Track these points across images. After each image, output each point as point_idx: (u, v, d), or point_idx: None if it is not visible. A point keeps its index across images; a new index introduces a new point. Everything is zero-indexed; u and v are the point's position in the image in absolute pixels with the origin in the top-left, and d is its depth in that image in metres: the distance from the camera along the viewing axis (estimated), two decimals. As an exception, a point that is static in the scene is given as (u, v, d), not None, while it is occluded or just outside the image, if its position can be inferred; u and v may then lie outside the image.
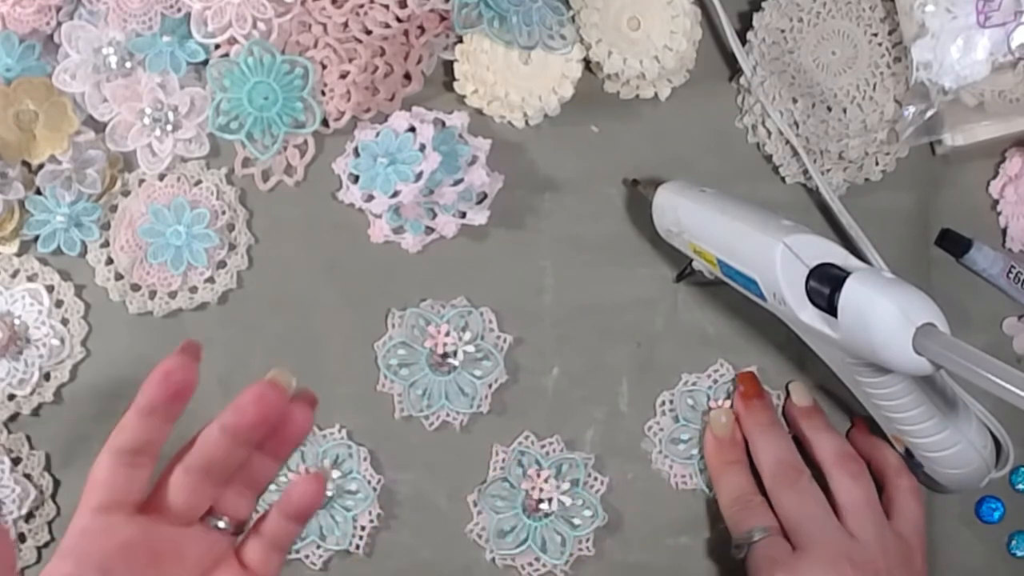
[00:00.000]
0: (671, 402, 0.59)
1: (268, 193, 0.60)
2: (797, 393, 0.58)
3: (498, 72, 0.57)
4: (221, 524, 0.43)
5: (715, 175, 0.59)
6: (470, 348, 0.58)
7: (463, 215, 0.58)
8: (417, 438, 0.59)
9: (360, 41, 0.58)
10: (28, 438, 0.59)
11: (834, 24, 0.58)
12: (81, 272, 0.59)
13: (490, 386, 0.59)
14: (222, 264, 0.59)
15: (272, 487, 0.46)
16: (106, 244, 0.59)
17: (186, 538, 0.42)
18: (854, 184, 0.59)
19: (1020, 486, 0.59)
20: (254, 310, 0.60)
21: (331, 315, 0.59)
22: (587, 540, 0.58)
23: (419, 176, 0.54)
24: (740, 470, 0.56)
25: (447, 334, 0.58)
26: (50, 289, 0.59)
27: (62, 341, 0.59)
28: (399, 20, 0.57)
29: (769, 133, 0.59)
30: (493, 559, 0.59)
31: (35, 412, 0.59)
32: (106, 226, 0.59)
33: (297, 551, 0.58)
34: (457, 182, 0.56)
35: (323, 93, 0.58)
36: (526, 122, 0.59)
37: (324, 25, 0.58)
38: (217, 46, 0.58)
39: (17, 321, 0.59)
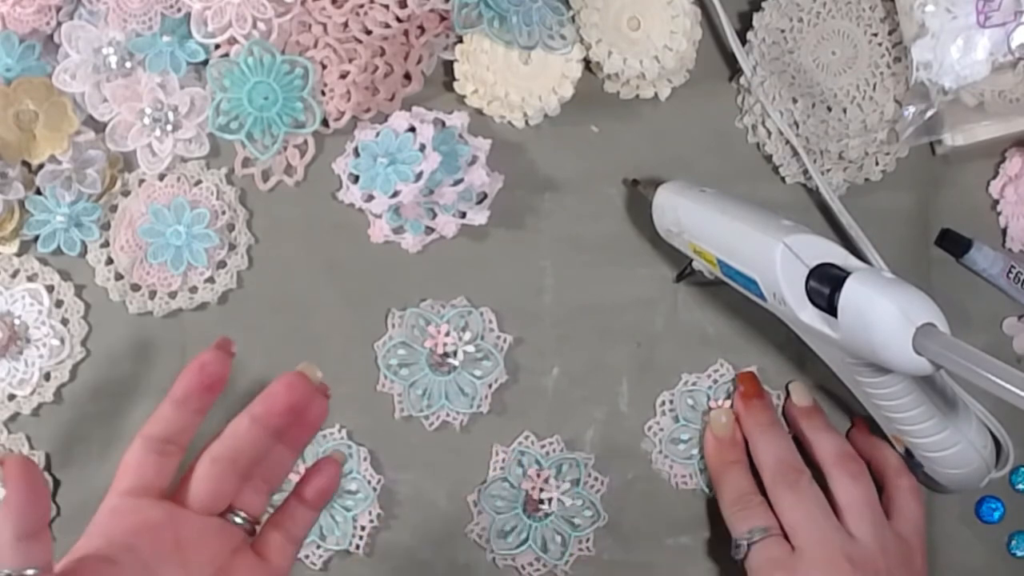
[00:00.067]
0: (671, 402, 0.59)
1: (268, 193, 0.60)
2: (797, 393, 0.58)
3: (498, 72, 0.57)
4: (238, 519, 0.45)
5: (715, 175, 0.59)
6: (470, 348, 0.58)
7: (463, 215, 0.58)
8: (417, 438, 0.59)
9: (360, 41, 0.58)
10: (28, 438, 0.59)
11: (834, 24, 0.58)
12: (81, 272, 0.59)
13: (490, 386, 0.59)
14: (222, 264, 0.59)
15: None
16: (106, 244, 0.59)
17: (207, 528, 0.44)
18: (854, 184, 0.59)
19: (1020, 486, 0.59)
20: (254, 310, 0.60)
21: (331, 315, 0.59)
22: (587, 540, 0.58)
23: (419, 176, 0.54)
24: (740, 470, 0.56)
25: (447, 334, 0.58)
26: (50, 289, 0.59)
27: (62, 341, 0.59)
28: (399, 20, 0.57)
29: (769, 133, 0.59)
30: (493, 559, 0.59)
31: (35, 412, 0.59)
32: (106, 226, 0.59)
33: (297, 551, 0.58)
34: (457, 182, 0.56)
35: (323, 93, 0.58)
36: (526, 122, 0.59)
37: (324, 25, 0.58)
38: (217, 46, 0.58)
39: (17, 321, 0.59)
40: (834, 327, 0.45)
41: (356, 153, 0.57)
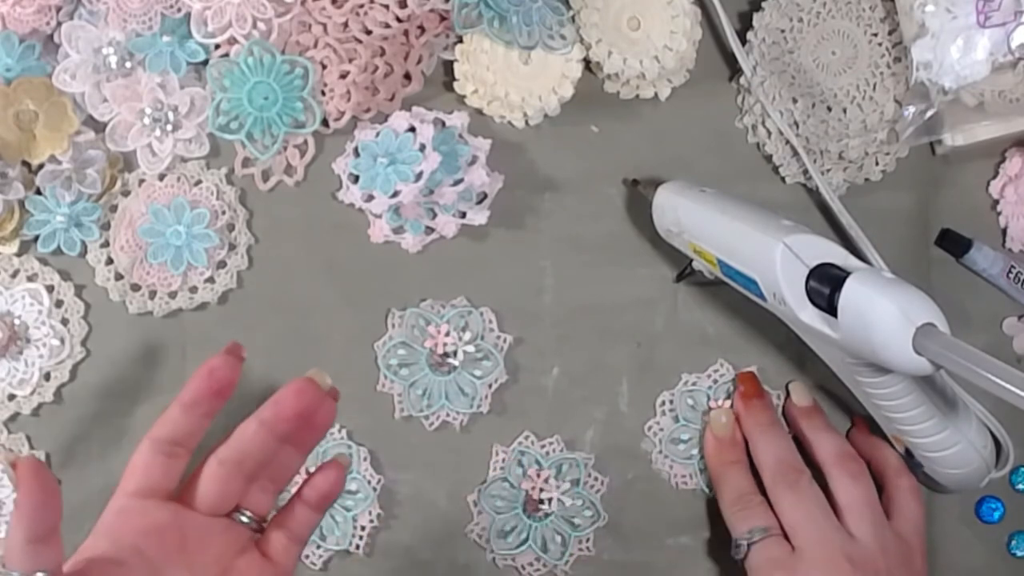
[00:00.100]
0: (671, 402, 0.59)
1: (268, 193, 0.60)
2: (797, 393, 0.58)
3: (498, 72, 0.57)
4: (244, 519, 0.45)
5: (715, 175, 0.59)
6: (470, 348, 0.58)
7: (463, 215, 0.58)
8: (417, 438, 0.59)
9: (360, 41, 0.58)
10: (28, 438, 0.59)
11: (834, 24, 0.58)
12: (81, 272, 0.59)
13: (490, 386, 0.59)
14: (222, 264, 0.59)
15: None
16: (106, 244, 0.59)
17: (213, 528, 0.44)
18: (854, 184, 0.59)
19: (1020, 486, 0.59)
20: (254, 310, 0.60)
21: (331, 315, 0.59)
22: (587, 540, 0.58)
23: (419, 176, 0.54)
24: (740, 470, 0.56)
25: (447, 334, 0.58)
26: (50, 289, 0.59)
27: (62, 341, 0.59)
28: (399, 20, 0.57)
29: (769, 133, 0.59)
30: (493, 559, 0.59)
31: (35, 412, 0.59)
32: (106, 226, 0.59)
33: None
34: (457, 182, 0.56)
35: (323, 93, 0.58)
36: (526, 122, 0.59)
37: (324, 25, 0.58)
38: (217, 46, 0.58)
39: (17, 321, 0.59)
40: (834, 327, 0.45)
41: (356, 153, 0.57)
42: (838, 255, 0.46)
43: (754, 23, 0.59)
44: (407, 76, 0.59)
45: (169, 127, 0.58)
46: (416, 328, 0.59)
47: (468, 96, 0.59)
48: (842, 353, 0.47)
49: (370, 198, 0.56)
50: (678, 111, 0.60)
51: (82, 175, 0.58)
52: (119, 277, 0.59)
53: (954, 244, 0.59)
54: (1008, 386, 0.37)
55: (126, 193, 0.59)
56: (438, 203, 0.57)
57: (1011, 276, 0.58)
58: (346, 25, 0.58)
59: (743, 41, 0.59)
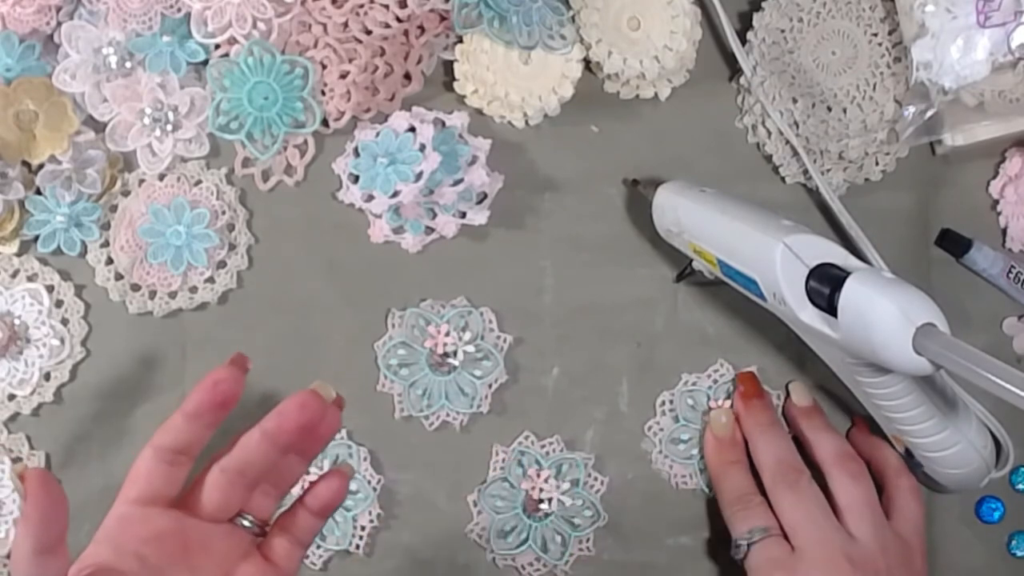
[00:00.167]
0: (671, 402, 0.59)
1: (268, 193, 0.60)
2: (797, 393, 0.58)
3: (498, 72, 0.57)
4: (246, 523, 0.45)
5: (715, 175, 0.59)
6: (470, 348, 0.58)
7: (463, 215, 0.58)
8: (417, 438, 0.59)
9: (360, 41, 0.58)
10: (28, 438, 0.59)
11: (834, 24, 0.58)
12: (81, 272, 0.59)
13: (490, 386, 0.59)
14: (222, 264, 0.59)
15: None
16: (106, 244, 0.59)
17: (215, 534, 0.44)
18: (854, 184, 0.59)
19: (1020, 486, 0.59)
20: (254, 310, 0.60)
21: (331, 315, 0.59)
22: (587, 540, 0.58)
23: (419, 176, 0.54)
24: (740, 470, 0.56)
25: (447, 334, 0.58)
26: (50, 289, 0.59)
27: (62, 341, 0.59)
28: (399, 20, 0.57)
29: (769, 133, 0.59)
30: (493, 559, 0.59)
31: (35, 412, 0.59)
32: (106, 226, 0.59)
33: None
34: (457, 182, 0.56)
35: (323, 93, 0.58)
36: (526, 122, 0.59)
37: (324, 25, 0.58)
38: (217, 46, 0.58)
39: (17, 321, 0.59)
40: (834, 327, 0.45)
41: (356, 153, 0.57)
42: (838, 255, 0.46)
43: (754, 23, 0.59)
44: (407, 76, 0.59)
45: (169, 127, 0.58)
46: (416, 328, 0.59)
47: (468, 96, 0.59)
48: (842, 353, 0.47)
49: (370, 198, 0.56)
50: (678, 111, 0.60)
51: (82, 175, 0.58)
52: (119, 277, 0.59)
53: (954, 244, 0.59)
54: (1008, 386, 0.37)
55: (126, 193, 0.59)
56: (438, 203, 0.57)
57: (1011, 276, 0.58)
58: (346, 25, 0.58)
59: (743, 41, 0.59)
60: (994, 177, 0.60)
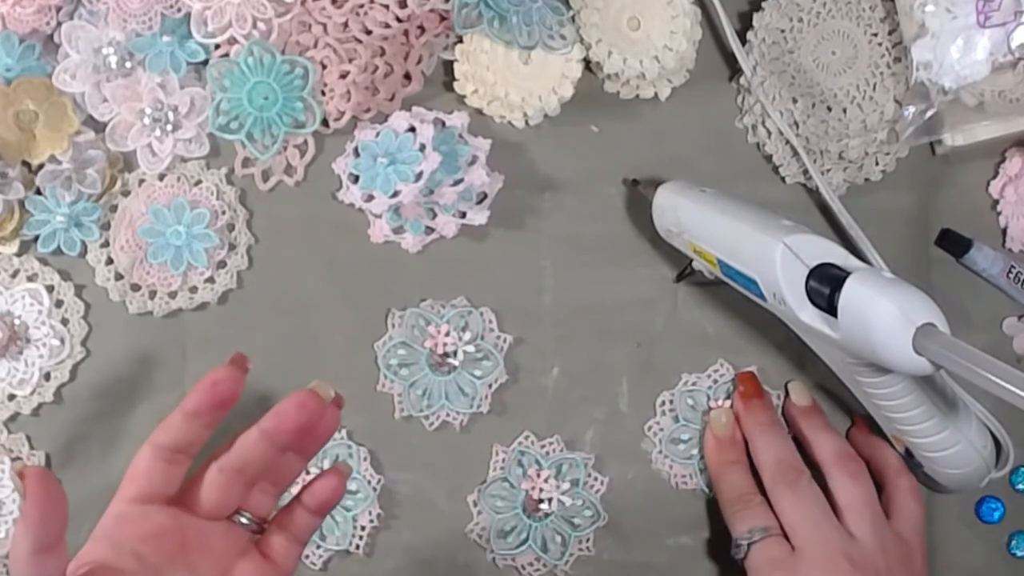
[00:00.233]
0: (671, 402, 0.59)
1: (268, 193, 0.60)
2: (796, 393, 0.58)
3: (498, 72, 0.57)
4: (244, 521, 0.46)
5: (715, 175, 0.59)
6: (470, 348, 0.58)
7: (463, 215, 0.58)
8: (417, 438, 0.59)
9: (360, 41, 0.58)
10: (28, 438, 0.59)
11: (834, 24, 0.58)
12: (81, 272, 0.59)
13: (490, 386, 0.59)
14: (222, 264, 0.59)
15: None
16: (106, 244, 0.59)
17: (213, 531, 0.44)
18: (854, 184, 0.59)
19: (1020, 486, 0.59)
20: (254, 310, 0.60)
21: (331, 315, 0.59)
22: (587, 540, 0.58)
23: (419, 176, 0.54)
24: (740, 470, 0.56)
25: (447, 334, 0.58)
26: (50, 289, 0.59)
27: (62, 341, 0.59)
28: (399, 20, 0.57)
29: (769, 133, 0.59)
30: (493, 559, 0.59)
31: (35, 412, 0.59)
32: (106, 226, 0.59)
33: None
34: (457, 182, 0.56)
35: (323, 93, 0.58)
36: (526, 122, 0.59)
37: (324, 25, 0.58)
38: (217, 46, 0.58)
39: (17, 321, 0.59)
40: (834, 327, 0.45)
41: (356, 153, 0.57)
42: (838, 255, 0.46)
43: (754, 23, 0.59)
44: (407, 76, 0.59)
45: (169, 127, 0.58)
46: (416, 328, 0.59)
47: (468, 96, 0.59)
48: (842, 353, 0.47)
49: (370, 198, 0.56)
50: (678, 111, 0.60)
51: (82, 175, 0.58)
52: (119, 277, 0.59)
53: (954, 244, 0.59)
54: (1008, 386, 0.37)
55: (126, 193, 0.59)
56: (438, 203, 0.57)
57: (1011, 276, 0.58)
58: (346, 25, 0.58)
59: (743, 41, 0.59)
60: (994, 177, 0.60)
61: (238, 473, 0.44)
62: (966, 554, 0.59)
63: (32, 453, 0.59)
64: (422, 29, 0.58)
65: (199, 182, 0.59)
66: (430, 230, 0.59)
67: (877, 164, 0.59)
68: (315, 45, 0.58)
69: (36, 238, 0.58)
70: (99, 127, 0.58)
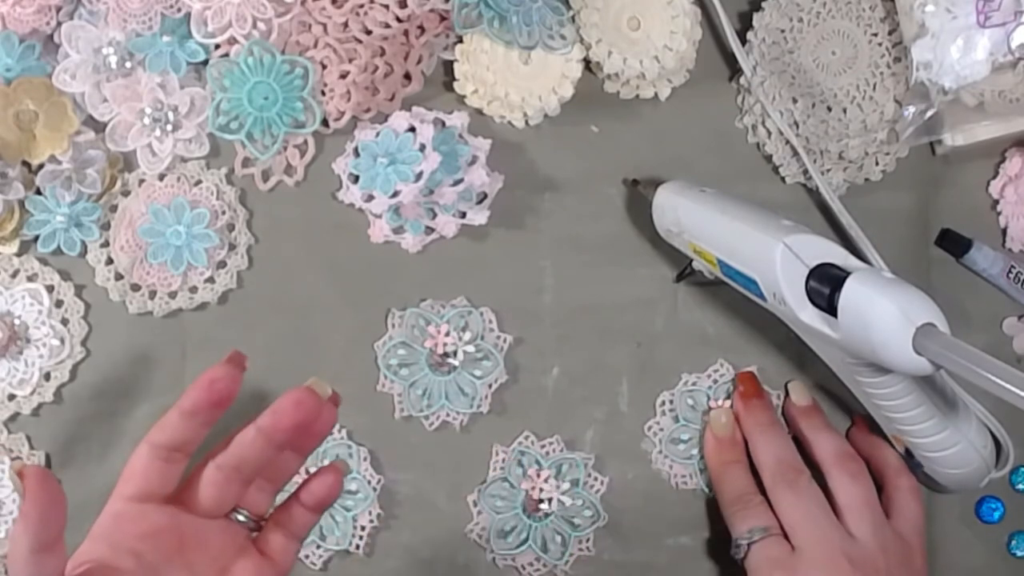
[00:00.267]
0: (671, 402, 0.59)
1: (268, 193, 0.60)
2: (796, 393, 0.58)
3: (498, 72, 0.57)
4: (242, 518, 0.46)
5: (715, 175, 0.59)
6: (470, 348, 0.58)
7: (463, 215, 0.58)
8: (417, 438, 0.59)
9: (360, 41, 0.58)
10: (28, 438, 0.59)
11: (834, 24, 0.58)
12: (81, 272, 0.59)
13: (490, 386, 0.59)
14: (222, 264, 0.59)
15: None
16: (106, 244, 0.59)
17: (210, 529, 0.44)
18: (854, 184, 0.59)
19: (1020, 486, 0.59)
20: (254, 310, 0.60)
21: (331, 315, 0.59)
22: (587, 540, 0.58)
23: (419, 176, 0.54)
24: (740, 470, 0.56)
25: (447, 334, 0.58)
26: (50, 289, 0.59)
27: (62, 341, 0.59)
28: (399, 20, 0.57)
29: (769, 133, 0.59)
30: (493, 559, 0.59)
31: (35, 412, 0.59)
32: (106, 226, 0.59)
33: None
34: (457, 182, 0.56)
35: (323, 93, 0.58)
36: (526, 122, 0.59)
37: (324, 25, 0.58)
38: (217, 46, 0.58)
39: (17, 321, 0.59)
40: (834, 327, 0.45)
41: (356, 153, 0.57)
42: (838, 255, 0.46)
43: (754, 23, 0.59)
44: (407, 76, 0.59)
45: (169, 127, 0.58)
46: (416, 328, 0.59)
47: (468, 96, 0.59)
48: (842, 353, 0.47)
49: (370, 198, 0.56)
50: (678, 111, 0.60)
51: (82, 175, 0.58)
52: (119, 277, 0.59)
53: (954, 244, 0.59)
54: (1008, 386, 0.37)
55: (126, 193, 0.59)
56: (438, 203, 0.57)
57: (1011, 276, 0.58)
58: (346, 25, 0.58)
59: (743, 41, 0.59)
60: (994, 177, 0.60)
61: (235, 471, 0.44)
62: (966, 554, 0.59)
63: (32, 453, 0.59)
64: (422, 29, 0.58)
65: (199, 182, 0.59)
66: (430, 230, 0.59)
67: (877, 164, 0.59)
68: (315, 45, 0.58)
69: (36, 238, 0.58)
70: (99, 127, 0.58)
